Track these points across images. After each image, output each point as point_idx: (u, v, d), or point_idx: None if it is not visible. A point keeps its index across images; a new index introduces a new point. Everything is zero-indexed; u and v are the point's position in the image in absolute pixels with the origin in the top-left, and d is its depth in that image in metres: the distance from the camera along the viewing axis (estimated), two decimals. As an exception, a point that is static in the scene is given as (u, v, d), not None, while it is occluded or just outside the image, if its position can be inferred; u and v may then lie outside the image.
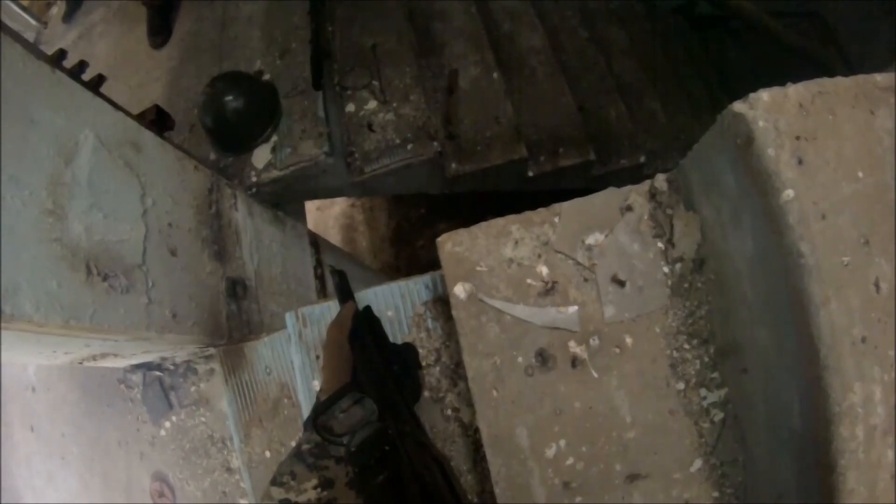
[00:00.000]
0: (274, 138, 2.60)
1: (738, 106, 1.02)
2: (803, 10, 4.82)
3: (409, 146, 2.69)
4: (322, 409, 1.04)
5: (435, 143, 2.69)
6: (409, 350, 1.43)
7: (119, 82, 2.70)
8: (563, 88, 3.26)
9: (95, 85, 1.97)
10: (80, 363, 1.81)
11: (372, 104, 2.81)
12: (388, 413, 1.05)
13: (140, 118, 2.00)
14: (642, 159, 3.22)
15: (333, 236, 4.82)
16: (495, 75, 3.05)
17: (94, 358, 1.80)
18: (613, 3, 4.11)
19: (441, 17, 3.40)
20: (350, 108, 2.83)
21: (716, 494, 1.26)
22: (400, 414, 1.10)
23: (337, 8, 3.25)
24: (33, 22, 4.23)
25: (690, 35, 4.68)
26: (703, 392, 1.27)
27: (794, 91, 1.04)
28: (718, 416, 1.26)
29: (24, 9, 4.19)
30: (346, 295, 1.43)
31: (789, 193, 0.97)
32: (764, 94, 1.01)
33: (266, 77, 2.80)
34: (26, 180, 1.40)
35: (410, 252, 4.63)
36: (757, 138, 1.00)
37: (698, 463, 1.26)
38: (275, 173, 2.52)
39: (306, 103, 2.64)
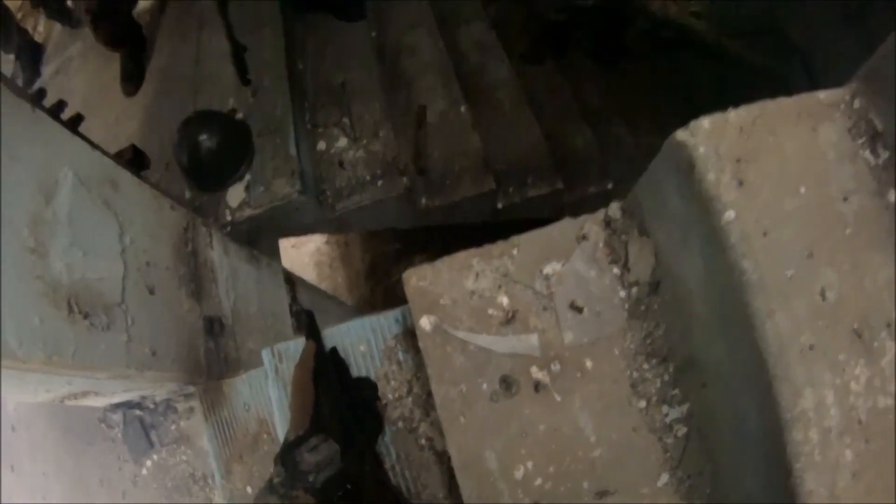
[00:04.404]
0: (247, 177, 2.63)
1: (680, 134, 1.07)
2: (765, 26, 4.91)
3: (380, 182, 2.75)
4: (289, 449, 1.09)
5: (404, 179, 2.75)
6: (366, 385, 1.48)
7: (95, 118, 2.74)
8: (529, 118, 3.32)
9: (74, 124, 2.02)
10: (62, 401, 1.82)
11: (342, 141, 2.86)
12: (350, 452, 1.11)
13: (117, 157, 2.03)
14: (610, 185, 3.27)
15: (309, 273, 4.83)
16: (463, 109, 3.11)
17: (74, 396, 1.81)
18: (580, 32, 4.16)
19: (410, 52, 3.46)
20: (321, 145, 2.88)
21: (685, 506, 1.29)
22: (361, 453, 1.21)
23: (307, 45, 3.31)
24: (12, 57, 4.25)
25: (657, 57, 4.75)
26: (665, 409, 1.30)
27: (735, 115, 1.08)
28: (682, 430, 1.29)
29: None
30: (312, 334, 1.48)
31: (730, 214, 1.01)
32: (704, 122, 1.06)
33: (239, 115, 2.84)
34: (8, 217, 1.42)
35: (386, 286, 4.64)
36: (697, 164, 1.04)
37: (665, 477, 1.29)
38: (249, 212, 2.56)
39: (278, 141, 2.68)
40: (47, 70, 4.13)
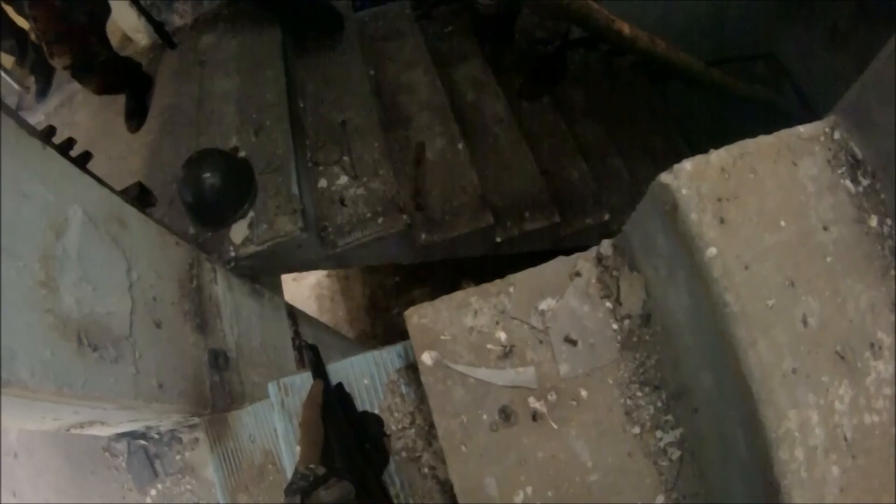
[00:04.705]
0: (251, 214, 2.66)
1: (664, 177, 1.14)
2: (757, 52, 4.98)
3: (380, 219, 2.79)
4: (308, 489, 1.16)
5: (404, 216, 2.79)
6: (373, 420, 1.53)
7: (100, 153, 2.76)
8: (525, 154, 3.39)
9: (82, 161, 2.06)
10: (68, 430, 1.85)
11: (343, 179, 2.91)
12: (363, 491, 1.19)
13: (123, 194, 2.07)
14: (606, 217, 3.33)
15: (310, 307, 4.85)
16: (460, 146, 3.18)
17: (81, 425, 1.83)
18: (572, 66, 4.25)
19: (407, 91, 3.54)
20: (322, 183, 2.92)
21: (681, 527, 1.33)
22: (371, 491, 1.27)
23: (308, 83, 3.37)
24: (15, 86, 4.30)
25: (649, 89, 4.80)
26: (658, 434, 1.35)
27: (717, 157, 1.15)
28: (676, 454, 1.34)
29: (6, 73, 4.30)
30: (318, 370, 1.53)
31: (712, 251, 1.07)
32: (687, 164, 1.13)
33: (242, 154, 2.87)
34: (20, 252, 1.46)
35: (386, 319, 4.68)
36: (680, 205, 1.11)
37: (661, 499, 1.33)
38: (252, 248, 2.59)
39: (281, 180, 2.72)
40: (51, 103, 4.18)
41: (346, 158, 2.96)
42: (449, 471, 1.37)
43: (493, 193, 3.18)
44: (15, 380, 1.35)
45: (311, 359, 1.58)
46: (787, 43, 4.92)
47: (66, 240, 1.65)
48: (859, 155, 1.22)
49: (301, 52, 3.59)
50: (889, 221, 1.19)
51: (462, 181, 3.08)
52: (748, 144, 1.18)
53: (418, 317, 1.45)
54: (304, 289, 5.05)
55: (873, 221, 1.18)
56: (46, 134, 2.09)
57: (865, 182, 1.21)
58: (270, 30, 3.47)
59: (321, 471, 1.20)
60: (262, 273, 2.76)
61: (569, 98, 4.16)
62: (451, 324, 1.43)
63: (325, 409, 1.39)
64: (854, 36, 4.27)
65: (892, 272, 1.17)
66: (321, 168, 2.98)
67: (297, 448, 1.65)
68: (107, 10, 3.35)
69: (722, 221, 1.09)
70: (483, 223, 2.96)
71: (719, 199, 1.11)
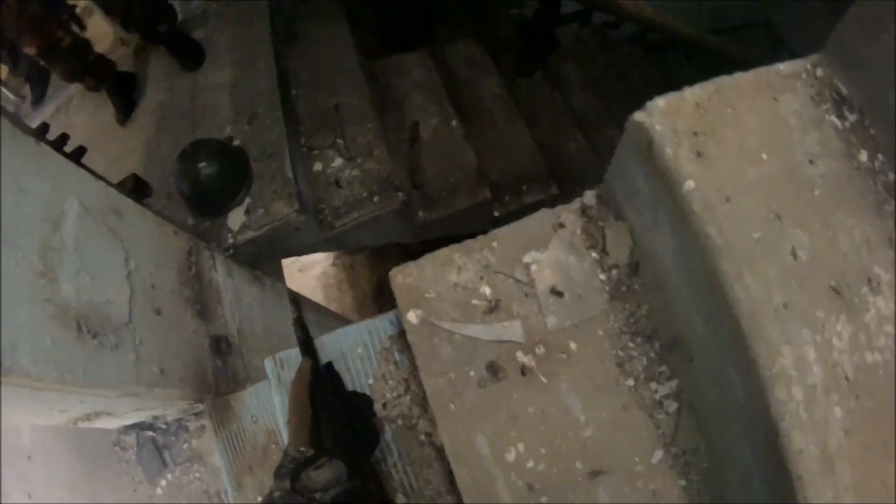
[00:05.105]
0: (247, 201, 2.66)
1: (637, 115, 1.12)
2: (754, 20, 4.95)
3: (376, 199, 2.78)
4: (297, 471, 1.15)
5: (400, 194, 2.78)
6: (362, 400, 1.52)
7: (97, 153, 2.76)
8: (522, 129, 3.38)
9: (77, 156, 2.07)
10: (75, 423, 1.86)
11: (338, 161, 2.90)
12: (355, 472, 1.17)
13: (120, 186, 2.08)
14: (604, 187, 3.31)
15: (317, 296, 4.84)
16: (454, 123, 3.17)
17: (88, 417, 1.84)
18: (564, 41, 4.21)
19: (400, 73, 3.53)
20: (317, 166, 2.92)
21: (682, 483, 1.30)
22: (362, 472, 1.26)
23: (300, 71, 3.37)
24: (11, 97, 4.32)
25: (646, 60, 4.79)
26: (653, 386, 1.33)
27: (691, 93, 1.13)
28: (672, 406, 1.32)
29: (2, 84, 4.32)
30: (307, 349, 1.52)
31: (690, 184, 1.05)
32: (660, 101, 1.11)
33: (236, 142, 2.87)
34: (19, 244, 1.48)
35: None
36: (655, 141, 1.08)
37: (659, 454, 1.31)
38: (250, 234, 2.59)
39: (275, 165, 2.71)
40: (48, 110, 4.18)
41: (340, 141, 2.95)
42: (439, 430, 1.36)
43: (491, 169, 3.16)
44: (17, 368, 1.36)
45: (301, 337, 1.57)
46: (783, 11, 4.89)
47: (64, 231, 1.66)
48: (844, 91, 1.20)
49: (293, 41, 3.58)
50: (881, 157, 1.17)
51: (458, 158, 3.07)
52: (724, 80, 1.16)
53: (402, 276, 1.44)
54: (310, 279, 5.05)
55: (863, 157, 1.16)
56: (40, 131, 2.10)
57: (853, 118, 1.18)
58: (260, 23, 3.46)
59: (311, 452, 1.19)
60: (261, 259, 2.76)
61: (564, 73, 4.16)
62: (436, 281, 1.42)
63: (313, 389, 1.37)
64: (850, 3, 4.23)
65: (888, 207, 1.14)
66: (316, 152, 2.97)
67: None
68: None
69: (699, 155, 1.07)
70: (480, 198, 2.95)
71: (695, 134, 1.09)
